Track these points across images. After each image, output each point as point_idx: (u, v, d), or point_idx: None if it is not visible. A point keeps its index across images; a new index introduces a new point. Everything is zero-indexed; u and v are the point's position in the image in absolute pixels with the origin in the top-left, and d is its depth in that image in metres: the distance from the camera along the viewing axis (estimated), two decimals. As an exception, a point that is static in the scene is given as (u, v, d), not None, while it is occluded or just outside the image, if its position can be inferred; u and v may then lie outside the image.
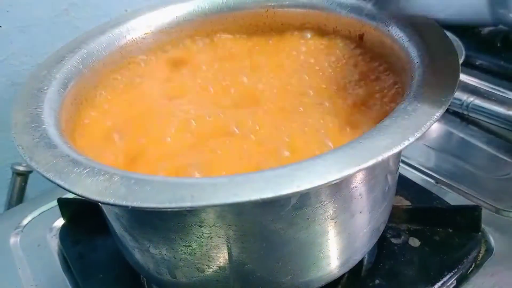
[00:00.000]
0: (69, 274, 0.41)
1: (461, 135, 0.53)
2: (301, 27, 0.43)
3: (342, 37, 0.40)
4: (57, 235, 0.44)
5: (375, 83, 0.34)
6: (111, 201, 0.22)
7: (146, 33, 0.41)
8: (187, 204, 0.21)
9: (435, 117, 0.24)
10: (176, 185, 0.22)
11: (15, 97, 0.31)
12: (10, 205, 0.53)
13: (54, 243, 0.44)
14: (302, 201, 0.25)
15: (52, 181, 0.23)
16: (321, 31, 0.42)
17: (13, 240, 0.45)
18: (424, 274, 0.36)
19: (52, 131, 0.28)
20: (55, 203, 0.46)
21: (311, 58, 0.39)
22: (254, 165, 0.27)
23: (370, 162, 0.22)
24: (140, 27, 0.41)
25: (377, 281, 0.36)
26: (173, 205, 0.21)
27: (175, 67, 0.40)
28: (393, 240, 0.39)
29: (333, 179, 0.21)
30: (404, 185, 0.44)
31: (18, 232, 0.45)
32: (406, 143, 0.23)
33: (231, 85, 0.37)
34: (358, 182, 0.27)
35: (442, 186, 0.45)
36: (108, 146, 0.31)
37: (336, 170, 0.21)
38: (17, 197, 0.54)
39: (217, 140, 0.30)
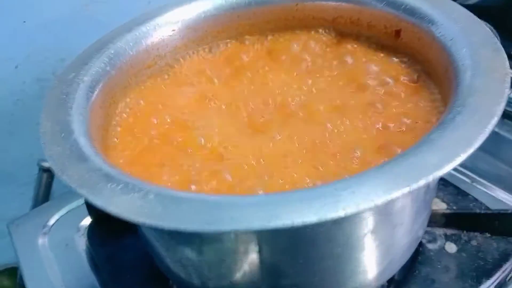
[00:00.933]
0: (97, 274, 0.41)
1: (498, 130, 0.50)
2: (333, 21, 0.41)
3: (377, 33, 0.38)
4: (85, 234, 0.44)
5: (414, 89, 0.32)
6: (147, 222, 0.21)
7: (173, 30, 0.40)
8: (226, 227, 0.20)
9: (488, 128, 0.22)
10: (215, 205, 0.21)
11: (44, 102, 0.30)
12: (37, 201, 0.54)
13: (82, 242, 0.44)
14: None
15: (85, 198, 0.23)
16: (353, 26, 0.40)
17: (41, 240, 0.45)
18: (461, 282, 0.35)
19: (82, 141, 0.27)
20: (82, 201, 0.46)
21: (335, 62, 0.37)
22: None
23: (420, 183, 0.20)
24: (166, 24, 0.40)
25: (413, 290, 0.35)
26: (212, 228, 0.20)
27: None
28: (429, 246, 0.38)
29: (380, 202, 0.20)
30: (439, 185, 0.42)
31: (46, 232, 0.45)
32: (458, 160, 0.21)
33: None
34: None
35: (479, 186, 0.44)
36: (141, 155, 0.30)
37: (383, 190, 0.20)
38: (44, 194, 0.54)
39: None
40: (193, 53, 0.41)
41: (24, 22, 0.52)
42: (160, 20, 0.40)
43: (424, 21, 0.34)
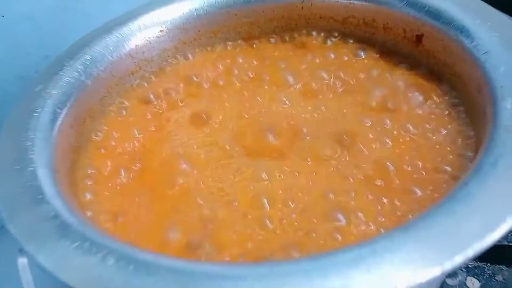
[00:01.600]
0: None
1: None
2: (344, 22, 0.36)
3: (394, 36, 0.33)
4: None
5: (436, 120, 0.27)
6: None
7: (160, 30, 0.35)
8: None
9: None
10: (191, 276, 0.17)
11: (4, 125, 0.26)
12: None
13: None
14: None
15: (32, 257, 0.19)
16: (367, 27, 0.34)
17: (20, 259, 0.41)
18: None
19: (42, 175, 0.23)
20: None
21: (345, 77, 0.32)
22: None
23: (456, 260, 0.15)
24: (153, 24, 0.35)
25: (429, 335, 0.30)
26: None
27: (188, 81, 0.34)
28: (449, 281, 0.33)
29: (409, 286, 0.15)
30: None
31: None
32: (505, 227, 0.16)
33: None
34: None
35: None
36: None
37: (407, 270, 0.16)
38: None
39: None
40: (183, 56, 0.36)
41: (3, 16, 0.47)
42: (145, 19, 0.35)
43: (451, 27, 0.28)
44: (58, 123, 0.27)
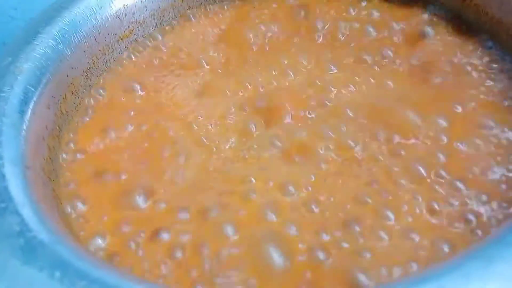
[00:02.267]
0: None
1: None
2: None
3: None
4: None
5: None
6: None
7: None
8: None
9: None
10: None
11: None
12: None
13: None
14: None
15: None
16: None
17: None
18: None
19: (9, 174, 0.19)
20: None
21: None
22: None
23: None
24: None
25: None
26: None
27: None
28: None
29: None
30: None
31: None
32: None
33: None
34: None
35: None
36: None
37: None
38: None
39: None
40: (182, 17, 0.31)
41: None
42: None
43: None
44: (31, 104, 0.23)
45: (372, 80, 0.25)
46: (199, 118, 0.25)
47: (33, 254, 0.15)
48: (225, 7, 0.31)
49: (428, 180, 0.20)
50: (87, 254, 0.16)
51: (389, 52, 0.26)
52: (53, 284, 0.14)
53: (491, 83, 0.24)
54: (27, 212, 0.17)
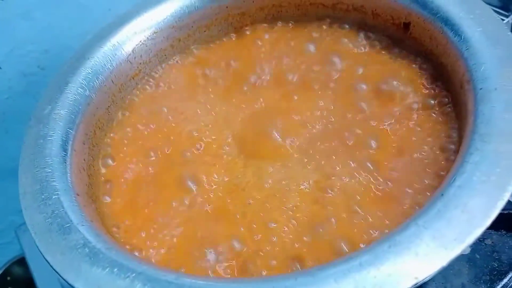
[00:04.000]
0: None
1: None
2: (333, 7, 0.36)
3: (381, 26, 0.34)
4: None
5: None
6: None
7: (155, 32, 0.36)
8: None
9: (502, 202, 0.20)
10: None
11: (21, 151, 0.28)
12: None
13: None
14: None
15: (72, 285, 0.21)
16: (356, 13, 0.35)
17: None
18: (475, 286, 0.34)
19: (66, 202, 0.25)
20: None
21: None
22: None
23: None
24: (146, 27, 0.36)
25: (425, 298, 0.34)
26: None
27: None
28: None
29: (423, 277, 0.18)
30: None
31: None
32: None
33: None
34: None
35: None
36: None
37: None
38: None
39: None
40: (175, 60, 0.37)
41: (-2, 18, 0.47)
42: (138, 23, 0.36)
43: (437, 18, 0.29)
44: (71, 143, 0.29)
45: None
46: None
47: (97, 259, 0.22)
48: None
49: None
50: (131, 256, 0.23)
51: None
52: (113, 277, 0.21)
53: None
54: (84, 229, 0.24)
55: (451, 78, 0.28)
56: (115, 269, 0.21)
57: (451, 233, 0.19)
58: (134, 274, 0.21)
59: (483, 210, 0.19)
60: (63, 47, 0.51)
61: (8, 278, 0.57)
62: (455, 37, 0.28)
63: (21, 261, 0.60)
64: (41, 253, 0.23)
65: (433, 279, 0.34)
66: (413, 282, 0.18)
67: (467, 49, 0.26)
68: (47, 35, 0.51)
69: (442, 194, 0.21)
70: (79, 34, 0.50)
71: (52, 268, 0.22)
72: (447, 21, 0.28)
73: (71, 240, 0.23)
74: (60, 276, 0.22)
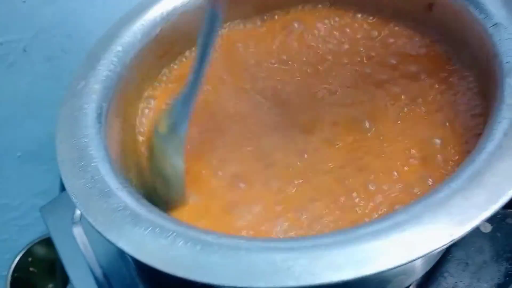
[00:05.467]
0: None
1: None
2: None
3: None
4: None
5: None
6: (179, 274, 0.21)
7: (182, 13, 0.37)
8: (261, 285, 0.19)
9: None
10: (248, 255, 0.20)
11: (57, 123, 0.29)
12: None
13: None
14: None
15: (113, 243, 0.22)
16: None
17: (75, 227, 0.45)
18: (496, 264, 0.34)
19: (104, 169, 0.26)
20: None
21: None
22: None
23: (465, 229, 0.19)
24: (174, 5, 0.37)
25: (446, 274, 0.35)
26: (245, 285, 0.19)
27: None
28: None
29: (420, 254, 0.19)
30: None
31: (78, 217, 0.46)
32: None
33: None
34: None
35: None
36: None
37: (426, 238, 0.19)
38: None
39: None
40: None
41: (24, 1, 0.49)
42: (167, 2, 0.36)
43: (461, -3, 0.30)
44: (105, 116, 0.30)
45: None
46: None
47: (138, 220, 0.23)
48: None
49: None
50: (171, 218, 0.24)
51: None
52: (155, 237, 0.22)
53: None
54: (123, 194, 0.25)
55: (475, 54, 0.29)
56: (157, 229, 0.22)
57: (483, 194, 0.20)
58: (175, 234, 0.22)
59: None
60: (86, 32, 0.52)
61: (30, 259, 0.58)
62: (480, 14, 0.28)
63: (43, 242, 0.61)
64: (83, 214, 0.24)
65: (455, 256, 0.35)
66: (449, 239, 0.19)
67: (494, 25, 0.27)
68: (71, 20, 0.52)
69: (473, 160, 0.21)
70: (102, 19, 0.51)
71: (94, 228, 0.23)
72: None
73: (112, 203, 0.24)
74: (103, 235, 0.23)
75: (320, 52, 0.35)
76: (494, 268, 0.34)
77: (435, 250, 0.19)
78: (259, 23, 0.39)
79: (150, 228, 0.22)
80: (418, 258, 0.19)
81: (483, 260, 0.35)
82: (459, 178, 0.21)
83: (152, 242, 0.22)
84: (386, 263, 0.19)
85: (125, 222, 0.23)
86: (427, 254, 0.19)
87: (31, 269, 0.59)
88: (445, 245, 0.19)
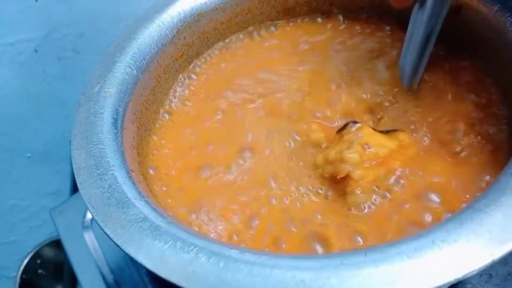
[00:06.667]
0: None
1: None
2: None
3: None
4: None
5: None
6: (202, 292, 0.20)
7: (199, 14, 0.36)
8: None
9: None
10: (275, 273, 0.19)
11: (73, 128, 0.28)
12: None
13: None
14: None
15: (133, 257, 0.22)
16: None
17: (85, 230, 0.45)
18: None
19: (121, 178, 0.25)
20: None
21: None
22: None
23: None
24: (191, 8, 0.36)
25: (469, 286, 0.33)
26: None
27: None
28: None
29: (457, 277, 0.18)
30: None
31: (88, 220, 0.45)
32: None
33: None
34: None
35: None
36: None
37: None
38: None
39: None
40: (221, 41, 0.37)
41: (36, 0, 0.48)
42: (183, 4, 0.35)
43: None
44: (121, 121, 0.29)
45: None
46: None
47: (158, 233, 0.22)
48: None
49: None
50: (192, 231, 0.23)
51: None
52: (176, 251, 0.21)
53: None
54: (141, 204, 0.24)
55: (504, 60, 0.27)
56: (178, 243, 0.21)
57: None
58: (197, 248, 0.21)
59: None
60: (98, 31, 0.51)
61: (38, 260, 0.57)
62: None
63: (52, 244, 0.61)
64: (100, 227, 0.23)
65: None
66: (490, 259, 0.18)
67: (527, 31, 0.26)
68: (83, 19, 0.51)
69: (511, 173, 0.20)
70: (114, 19, 0.50)
71: (113, 241, 0.22)
72: (505, 4, 0.28)
73: (130, 214, 0.23)
74: (121, 248, 0.22)
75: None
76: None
77: (474, 271, 0.18)
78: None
79: (170, 242, 0.21)
80: (455, 280, 0.18)
81: (508, 272, 0.34)
82: (495, 193, 0.20)
83: (173, 256, 0.21)
84: (422, 285, 0.18)
85: (145, 235, 0.22)
86: (465, 275, 0.18)
87: (39, 271, 0.58)
88: (485, 265, 0.18)
